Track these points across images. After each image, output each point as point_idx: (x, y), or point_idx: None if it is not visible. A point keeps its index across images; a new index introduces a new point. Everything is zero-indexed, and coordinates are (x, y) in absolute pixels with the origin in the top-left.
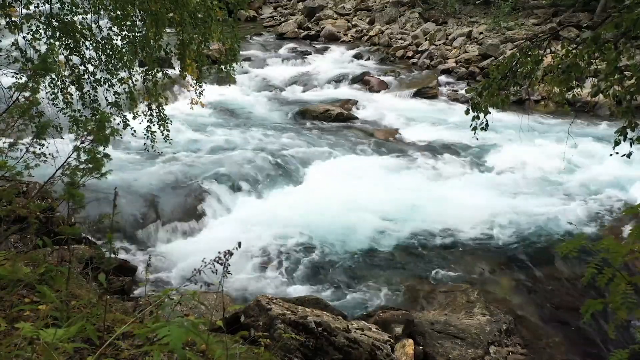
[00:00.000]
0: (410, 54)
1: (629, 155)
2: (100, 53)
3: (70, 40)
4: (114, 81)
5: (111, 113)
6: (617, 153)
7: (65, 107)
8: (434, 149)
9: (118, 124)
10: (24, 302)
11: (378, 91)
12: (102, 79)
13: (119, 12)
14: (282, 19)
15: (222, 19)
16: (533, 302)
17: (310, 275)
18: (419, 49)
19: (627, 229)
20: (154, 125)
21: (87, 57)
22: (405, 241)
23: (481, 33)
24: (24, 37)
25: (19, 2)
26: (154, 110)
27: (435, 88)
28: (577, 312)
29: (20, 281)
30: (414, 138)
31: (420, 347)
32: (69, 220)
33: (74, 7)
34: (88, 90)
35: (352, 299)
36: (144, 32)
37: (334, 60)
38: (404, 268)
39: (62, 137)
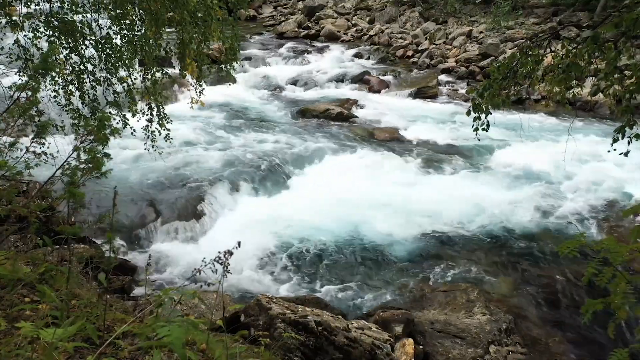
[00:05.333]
0: (410, 53)
1: (626, 154)
2: (99, 52)
3: (70, 39)
4: (113, 80)
5: (110, 112)
6: (615, 150)
7: (66, 104)
8: (434, 148)
9: (117, 123)
10: (24, 302)
11: (378, 90)
12: (102, 78)
13: (118, 11)
14: (282, 18)
15: (222, 18)
16: (533, 302)
17: (310, 275)
18: (419, 48)
19: (627, 229)
20: (153, 124)
21: (87, 56)
22: (405, 240)
23: (481, 32)
24: (25, 36)
25: (19, 1)
26: (154, 110)
27: (435, 87)
28: (577, 312)
29: (20, 280)
30: (414, 137)
31: (420, 347)
32: (69, 220)
33: (73, 6)
34: (87, 90)
35: (352, 298)
36: (143, 31)
37: (334, 60)
38: (404, 267)
39: (64, 134)
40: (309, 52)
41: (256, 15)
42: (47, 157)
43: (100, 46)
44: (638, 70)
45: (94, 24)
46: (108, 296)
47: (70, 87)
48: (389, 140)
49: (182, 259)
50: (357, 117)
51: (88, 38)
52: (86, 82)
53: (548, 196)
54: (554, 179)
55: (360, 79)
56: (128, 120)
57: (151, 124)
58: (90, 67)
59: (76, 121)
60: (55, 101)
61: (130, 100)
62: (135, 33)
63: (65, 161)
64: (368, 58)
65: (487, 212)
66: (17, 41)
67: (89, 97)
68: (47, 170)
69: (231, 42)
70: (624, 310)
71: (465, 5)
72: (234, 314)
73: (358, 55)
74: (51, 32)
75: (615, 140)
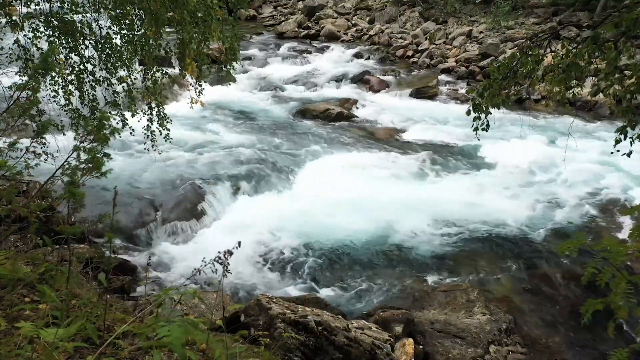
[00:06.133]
0: (410, 53)
1: (629, 154)
2: (99, 52)
3: (70, 39)
4: (113, 80)
5: (110, 112)
6: (618, 151)
7: (66, 104)
8: (434, 148)
9: (117, 123)
10: (24, 302)
11: (378, 90)
12: (102, 78)
13: (118, 11)
14: (282, 18)
15: (222, 18)
16: (533, 302)
17: (310, 275)
18: (419, 48)
19: (627, 229)
20: (153, 124)
21: (87, 56)
22: (405, 240)
23: (481, 32)
24: (24, 36)
25: (19, 1)
26: (154, 110)
27: (435, 87)
28: (577, 312)
29: (20, 280)
30: (414, 137)
31: (420, 346)
32: (69, 220)
33: (73, 6)
34: (87, 90)
35: (352, 298)
36: (143, 30)
37: (334, 60)
38: (404, 267)
39: (64, 134)
40: (309, 52)
41: (256, 15)
42: (47, 157)
43: (100, 46)
44: (638, 70)
45: (94, 24)
46: (108, 296)
47: (70, 87)
48: (389, 140)
49: (182, 259)
50: (357, 117)
51: (88, 38)
52: (86, 82)
53: (548, 196)
54: (553, 178)
55: (360, 79)
56: (127, 120)
57: (151, 124)
58: (90, 67)
59: (75, 121)
60: (54, 101)
61: (130, 100)
62: (135, 33)
63: (65, 161)
64: (368, 58)
65: (487, 212)
66: (17, 41)
67: (88, 97)
68: (47, 170)
69: (231, 42)
70: (624, 310)
71: (465, 5)
72: (234, 314)
73: (358, 55)
74: (51, 32)
75: (617, 142)
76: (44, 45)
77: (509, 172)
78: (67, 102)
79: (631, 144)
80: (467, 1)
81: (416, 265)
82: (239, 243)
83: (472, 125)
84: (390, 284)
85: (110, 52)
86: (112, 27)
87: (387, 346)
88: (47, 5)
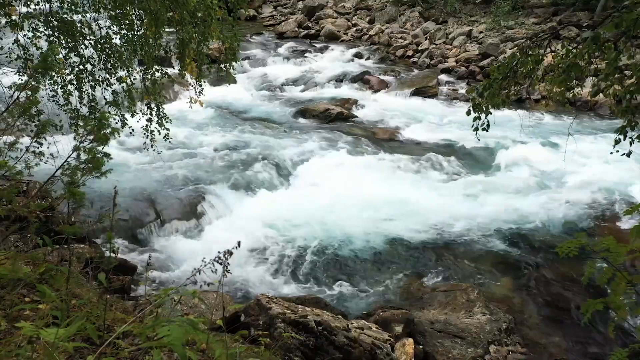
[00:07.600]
0: (410, 53)
1: (628, 154)
2: (99, 52)
3: (69, 39)
4: (112, 80)
5: (109, 112)
6: (617, 151)
7: (66, 104)
8: (434, 149)
9: (116, 123)
10: (24, 302)
11: (378, 90)
12: (101, 78)
13: (118, 11)
14: (282, 18)
15: (221, 18)
16: (533, 302)
17: (310, 275)
18: (419, 48)
19: (627, 229)
20: (152, 124)
21: (86, 56)
22: (406, 240)
23: (481, 32)
24: (24, 35)
25: (19, 1)
26: (154, 109)
27: (435, 87)
28: (577, 312)
29: (20, 280)
30: (414, 137)
31: (420, 346)
32: (69, 220)
33: (73, 6)
34: (86, 90)
35: (352, 298)
36: (143, 30)
37: (334, 60)
38: (404, 268)
39: (63, 134)
40: (309, 52)
41: (256, 15)
42: (47, 157)
43: (99, 46)
44: (638, 70)
45: (93, 24)
46: (108, 296)
47: (69, 86)
48: (389, 140)
49: (182, 259)
50: (357, 117)
51: (88, 38)
52: (85, 82)
53: (548, 196)
54: (553, 178)
55: (360, 79)
56: (127, 120)
57: (150, 124)
58: (89, 67)
59: (74, 121)
60: (54, 101)
61: (130, 100)
62: (135, 33)
63: (65, 161)
64: (368, 58)
65: (487, 212)
66: (16, 41)
67: (88, 97)
68: (47, 170)
69: (231, 42)
70: (624, 310)
71: (465, 5)
72: (234, 314)
73: (358, 55)
74: (51, 32)
75: (617, 142)
76: (44, 45)
77: (509, 172)
78: (67, 102)
79: (631, 144)
80: (467, 1)
81: (416, 265)
82: (239, 243)
83: (472, 125)
84: (390, 284)
85: (110, 52)
86: (112, 27)
87: (387, 346)
88: (47, 5)
